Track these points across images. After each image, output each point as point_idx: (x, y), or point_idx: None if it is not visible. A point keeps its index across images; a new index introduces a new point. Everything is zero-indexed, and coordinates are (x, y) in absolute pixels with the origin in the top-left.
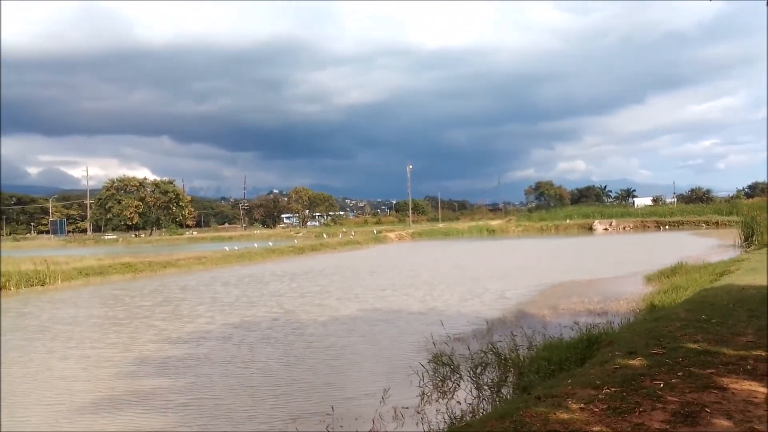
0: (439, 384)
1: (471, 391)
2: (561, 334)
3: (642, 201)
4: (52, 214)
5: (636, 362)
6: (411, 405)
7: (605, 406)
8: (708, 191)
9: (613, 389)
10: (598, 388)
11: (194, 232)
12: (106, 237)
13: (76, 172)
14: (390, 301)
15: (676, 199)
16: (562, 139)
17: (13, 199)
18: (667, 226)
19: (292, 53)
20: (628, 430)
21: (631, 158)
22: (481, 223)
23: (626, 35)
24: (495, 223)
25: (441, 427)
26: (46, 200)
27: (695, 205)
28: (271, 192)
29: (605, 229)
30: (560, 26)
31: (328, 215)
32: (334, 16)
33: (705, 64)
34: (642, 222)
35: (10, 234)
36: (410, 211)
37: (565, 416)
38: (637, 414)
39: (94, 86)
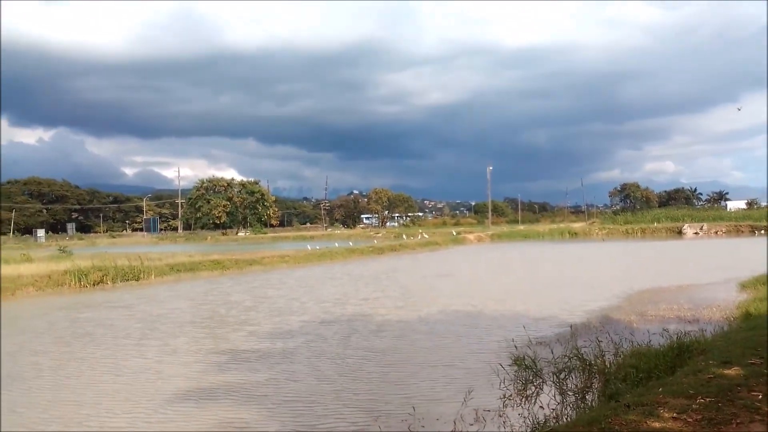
0: (521, 388)
1: (554, 396)
2: (649, 341)
3: (735, 204)
4: (146, 212)
5: (732, 372)
6: (492, 408)
7: (699, 417)
8: None
9: (707, 399)
10: (691, 398)
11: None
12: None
13: (169, 173)
14: (470, 304)
15: None
16: (650, 139)
17: (110, 197)
18: (762, 231)
19: (373, 55)
20: None
21: (723, 159)
22: (562, 225)
23: (719, 31)
24: (577, 225)
25: (524, 430)
26: (141, 199)
27: None
28: (352, 192)
29: (695, 233)
30: (648, 22)
31: (407, 216)
32: (414, 17)
33: None
34: (735, 226)
35: (107, 231)
36: (489, 213)
37: (657, 425)
38: (734, 426)
39: (183, 90)
